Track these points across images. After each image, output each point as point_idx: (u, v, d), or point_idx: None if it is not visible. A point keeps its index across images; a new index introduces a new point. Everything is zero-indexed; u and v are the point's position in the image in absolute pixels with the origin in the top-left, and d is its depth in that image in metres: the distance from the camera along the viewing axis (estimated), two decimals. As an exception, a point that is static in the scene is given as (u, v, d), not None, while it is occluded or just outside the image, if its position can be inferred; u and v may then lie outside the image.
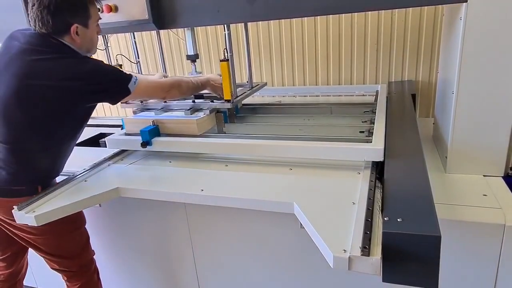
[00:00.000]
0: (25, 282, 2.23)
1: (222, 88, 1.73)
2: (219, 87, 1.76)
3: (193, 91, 1.76)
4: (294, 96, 2.59)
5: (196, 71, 1.85)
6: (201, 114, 1.75)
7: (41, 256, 1.60)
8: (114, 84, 1.45)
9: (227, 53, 1.68)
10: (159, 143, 1.71)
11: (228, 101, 1.71)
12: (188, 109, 1.77)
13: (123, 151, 1.85)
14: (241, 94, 1.84)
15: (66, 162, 1.58)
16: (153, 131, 1.71)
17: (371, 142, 1.44)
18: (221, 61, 1.66)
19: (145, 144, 1.68)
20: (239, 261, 1.66)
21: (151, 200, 1.52)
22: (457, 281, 1.34)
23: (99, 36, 1.53)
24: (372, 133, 1.53)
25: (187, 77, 1.78)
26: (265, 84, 2.20)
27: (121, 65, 1.88)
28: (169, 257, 1.81)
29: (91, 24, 1.43)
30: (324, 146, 1.47)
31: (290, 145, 1.52)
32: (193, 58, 1.80)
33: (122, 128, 1.85)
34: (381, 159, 1.37)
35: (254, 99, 2.48)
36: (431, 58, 2.38)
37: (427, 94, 2.46)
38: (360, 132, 1.64)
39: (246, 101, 2.00)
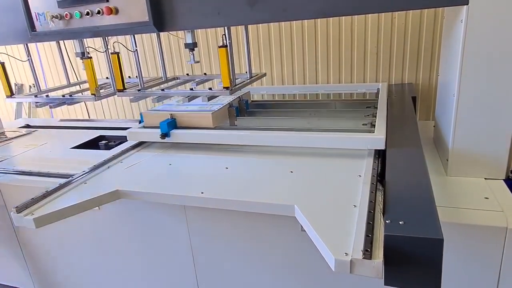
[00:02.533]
0: (22, 285, 2.22)
1: None
2: None
3: None
4: (294, 95, 2.64)
5: (194, 60, 1.84)
6: (215, 108, 1.85)
7: None
8: None
9: (226, 39, 1.65)
10: (177, 135, 1.81)
11: (227, 88, 1.70)
12: (186, 97, 1.81)
13: (122, 153, 1.85)
14: (240, 83, 1.87)
15: (67, 165, 1.55)
16: (171, 124, 1.82)
17: (373, 132, 1.55)
18: (219, 47, 1.63)
19: (164, 135, 1.79)
20: (239, 264, 1.65)
21: (150, 203, 1.51)
22: (459, 284, 1.33)
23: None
24: (374, 125, 1.62)
25: None
26: (265, 74, 2.25)
27: (118, 52, 1.86)
28: (168, 260, 1.80)
29: None
30: (330, 136, 1.59)
31: (299, 135, 1.63)
32: (191, 47, 1.79)
33: (140, 122, 1.98)
34: (383, 147, 1.48)
35: (263, 96, 2.68)
36: (431, 60, 2.38)
37: (427, 97, 2.46)
38: (363, 124, 1.75)
39: (255, 97, 2.17)
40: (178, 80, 2.28)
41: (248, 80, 1.96)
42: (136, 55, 1.89)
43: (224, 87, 1.70)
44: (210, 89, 1.78)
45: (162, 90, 1.90)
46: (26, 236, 2.04)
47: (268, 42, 2.65)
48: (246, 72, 2.03)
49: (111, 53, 1.86)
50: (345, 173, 1.44)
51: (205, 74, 2.49)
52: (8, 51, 3.08)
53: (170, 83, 2.20)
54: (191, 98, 1.80)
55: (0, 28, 1.96)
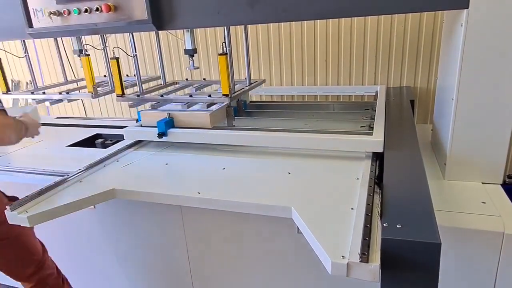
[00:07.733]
0: (12, 282, 2.19)
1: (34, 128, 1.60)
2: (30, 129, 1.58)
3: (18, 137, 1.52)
4: (292, 96, 2.64)
5: (194, 66, 1.85)
6: (213, 108, 1.83)
7: None
8: None
9: (226, 47, 1.66)
10: (174, 134, 1.79)
11: (226, 95, 1.71)
12: (185, 103, 1.78)
13: (119, 152, 1.84)
14: (239, 90, 1.87)
15: (62, 163, 1.54)
16: (169, 123, 1.80)
17: (371, 134, 1.54)
18: (219, 55, 1.65)
19: (161, 134, 1.77)
20: (235, 265, 1.65)
21: (146, 202, 1.50)
22: (455, 288, 1.33)
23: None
24: (373, 127, 1.61)
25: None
26: (264, 81, 2.24)
27: (118, 58, 1.85)
28: (164, 260, 1.79)
29: None
30: (329, 138, 1.58)
31: (297, 137, 1.62)
32: (191, 53, 1.79)
33: (137, 121, 1.95)
34: (381, 150, 1.46)
35: (262, 97, 2.69)
36: (430, 64, 2.38)
37: (426, 100, 2.46)
38: (361, 127, 1.75)
39: (254, 98, 2.16)
40: (177, 85, 2.28)
41: (247, 87, 1.99)
42: (136, 60, 1.88)
43: (223, 94, 1.73)
44: (209, 95, 1.80)
45: (161, 96, 1.90)
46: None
47: (268, 42, 2.64)
48: (245, 78, 2.04)
49: (111, 59, 1.85)
50: (342, 175, 1.44)
51: (204, 79, 2.49)
52: (5, 47, 3.05)
53: (169, 88, 2.19)
54: (190, 104, 1.80)
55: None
